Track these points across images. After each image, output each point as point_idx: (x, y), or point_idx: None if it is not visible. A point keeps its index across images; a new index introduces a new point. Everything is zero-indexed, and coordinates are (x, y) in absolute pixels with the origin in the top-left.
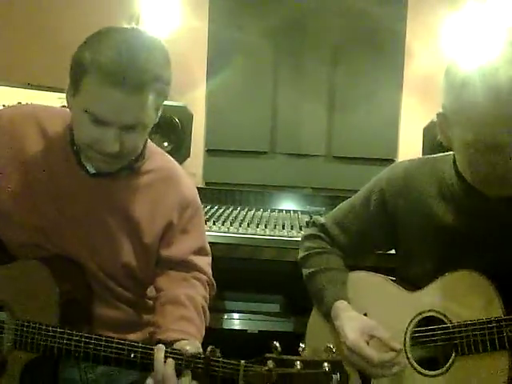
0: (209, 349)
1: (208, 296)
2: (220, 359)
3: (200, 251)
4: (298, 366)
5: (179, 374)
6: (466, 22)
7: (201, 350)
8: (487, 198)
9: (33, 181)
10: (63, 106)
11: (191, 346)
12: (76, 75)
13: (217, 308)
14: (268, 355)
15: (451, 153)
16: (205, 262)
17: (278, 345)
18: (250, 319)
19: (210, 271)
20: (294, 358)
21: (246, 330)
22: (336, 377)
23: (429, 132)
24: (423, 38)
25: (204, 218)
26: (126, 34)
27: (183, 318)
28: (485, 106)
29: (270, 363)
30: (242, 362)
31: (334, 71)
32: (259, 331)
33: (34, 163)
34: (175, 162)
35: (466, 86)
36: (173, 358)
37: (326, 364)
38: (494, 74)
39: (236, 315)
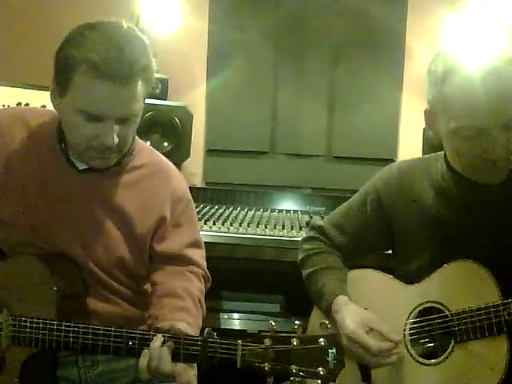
0: (206, 331)
1: (204, 289)
2: (217, 340)
3: (194, 244)
4: (295, 343)
5: (176, 357)
6: (466, 22)
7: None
8: (478, 187)
9: (23, 180)
10: None
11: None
12: (64, 74)
13: (217, 308)
14: (264, 334)
15: (443, 152)
16: (199, 255)
17: (273, 323)
18: (249, 319)
19: (204, 264)
20: (291, 335)
21: (246, 330)
22: (332, 351)
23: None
24: (423, 38)
25: (195, 210)
26: (106, 29)
27: (180, 308)
28: (464, 93)
29: (267, 341)
30: (240, 341)
31: (334, 71)
32: (259, 331)
33: (23, 163)
34: (163, 157)
35: (446, 75)
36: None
37: (321, 339)
38: (472, 62)
39: (236, 315)
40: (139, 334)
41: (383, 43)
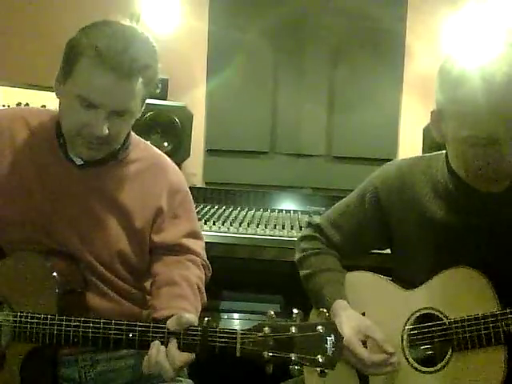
0: (205, 320)
1: (203, 276)
2: (217, 329)
3: (191, 234)
4: (293, 331)
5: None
6: (466, 22)
7: (195, 323)
8: (479, 194)
9: (23, 177)
10: None
11: (177, 319)
12: (70, 59)
13: (217, 308)
14: (263, 322)
15: (444, 151)
16: (198, 245)
17: (272, 312)
18: (249, 319)
19: (204, 254)
20: (289, 323)
21: None
22: (331, 338)
23: (429, 132)
24: (423, 37)
25: (193, 203)
26: (121, 26)
27: (178, 296)
28: (480, 102)
29: (266, 329)
30: (239, 330)
31: (334, 71)
32: None
33: (24, 160)
34: (159, 151)
35: (462, 81)
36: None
37: (320, 327)
38: (489, 70)
39: (236, 315)
40: (139, 326)
41: (383, 43)
